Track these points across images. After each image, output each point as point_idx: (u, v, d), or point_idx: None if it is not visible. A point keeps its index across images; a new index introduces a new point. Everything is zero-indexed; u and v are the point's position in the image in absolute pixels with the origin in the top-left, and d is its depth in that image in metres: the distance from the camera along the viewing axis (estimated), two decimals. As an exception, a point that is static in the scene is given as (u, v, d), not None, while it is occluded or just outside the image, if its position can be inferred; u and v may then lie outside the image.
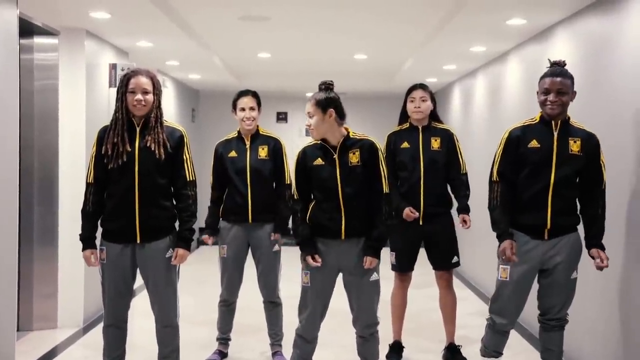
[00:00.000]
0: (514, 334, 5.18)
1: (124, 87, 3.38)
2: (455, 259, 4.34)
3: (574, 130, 3.50)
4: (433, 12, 4.99)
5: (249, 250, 4.37)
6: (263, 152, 4.30)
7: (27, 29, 4.96)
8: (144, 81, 3.38)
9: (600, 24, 4.17)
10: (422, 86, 4.36)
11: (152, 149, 3.38)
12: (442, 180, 4.32)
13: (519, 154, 3.49)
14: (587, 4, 4.31)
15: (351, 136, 3.46)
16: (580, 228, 3.54)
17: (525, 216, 3.48)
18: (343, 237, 3.39)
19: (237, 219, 4.29)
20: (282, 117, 11.26)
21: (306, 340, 3.52)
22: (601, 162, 3.51)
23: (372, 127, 11.18)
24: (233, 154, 4.31)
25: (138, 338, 4.77)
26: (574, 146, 3.45)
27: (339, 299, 3.64)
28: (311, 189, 3.47)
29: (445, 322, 4.46)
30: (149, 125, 3.40)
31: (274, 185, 4.35)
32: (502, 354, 3.64)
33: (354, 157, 3.40)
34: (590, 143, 3.48)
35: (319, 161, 3.43)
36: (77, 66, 5.32)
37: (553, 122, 3.48)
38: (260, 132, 4.38)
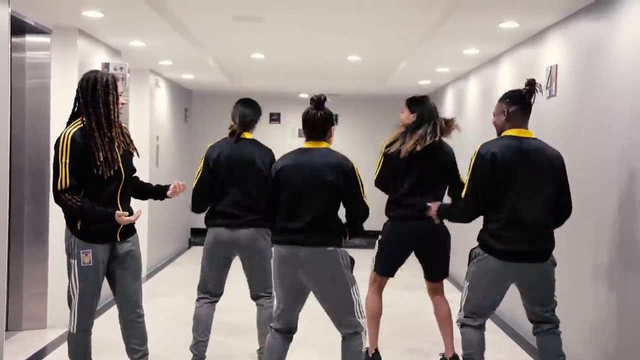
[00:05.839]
0: (503, 336, 5.20)
1: (114, 90, 3.35)
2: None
3: None
4: (426, 14, 5.00)
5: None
6: None
7: (19, 27, 4.93)
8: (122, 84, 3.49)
9: (593, 27, 4.19)
10: (406, 100, 4.42)
11: (130, 149, 3.47)
12: None
13: None
14: (579, 7, 4.33)
15: None
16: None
17: None
18: None
19: None
20: (275, 118, 11.26)
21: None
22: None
23: (365, 128, 11.23)
24: None
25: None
26: None
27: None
28: None
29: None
30: (121, 127, 3.45)
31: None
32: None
33: None
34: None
35: None
36: (70, 65, 5.30)
37: None
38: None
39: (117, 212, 3.31)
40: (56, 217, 5.19)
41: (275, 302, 3.55)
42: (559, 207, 3.46)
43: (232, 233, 4.05)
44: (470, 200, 3.48)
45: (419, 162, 4.17)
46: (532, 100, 3.51)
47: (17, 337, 4.97)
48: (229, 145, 4.12)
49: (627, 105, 3.64)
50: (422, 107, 4.33)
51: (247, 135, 4.16)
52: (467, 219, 3.59)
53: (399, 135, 4.28)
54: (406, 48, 6.37)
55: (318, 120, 3.47)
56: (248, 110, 4.19)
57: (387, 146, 4.27)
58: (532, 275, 3.42)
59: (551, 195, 3.41)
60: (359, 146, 10.43)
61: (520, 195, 3.36)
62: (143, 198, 3.73)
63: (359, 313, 3.45)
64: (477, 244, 3.51)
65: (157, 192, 3.69)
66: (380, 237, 4.36)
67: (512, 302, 3.71)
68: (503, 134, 3.49)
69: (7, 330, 4.48)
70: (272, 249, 3.55)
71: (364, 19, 5.25)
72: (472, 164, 3.44)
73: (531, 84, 3.49)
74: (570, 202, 3.49)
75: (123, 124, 3.52)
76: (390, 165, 4.22)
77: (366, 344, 3.58)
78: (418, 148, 4.14)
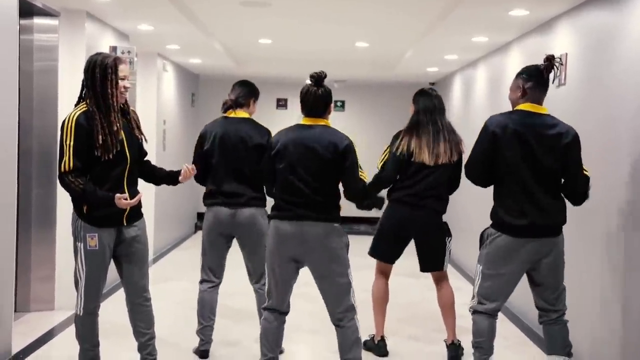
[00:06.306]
0: (508, 323, 5.22)
1: (113, 74, 3.33)
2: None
3: None
4: (435, 1, 4.97)
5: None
6: None
7: (27, 10, 4.93)
8: (128, 68, 3.46)
9: (603, 17, 4.16)
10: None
11: (136, 133, 3.48)
12: None
13: None
14: (590, -4, 4.30)
15: None
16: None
17: None
18: None
19: None
20: (282, 103, 11.23)
21: None
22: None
23: (372, 115, 11.19)
24: None
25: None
26: None
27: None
28: None
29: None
30: (124, 110, 3.45)
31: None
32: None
33: None
34: None
35: None
36: (77, 48, 5.30)
37: None
38: None
39: (117, 195, 3.30)
40: (64, 200, 5.20)
41: (267, 282, 3.54)
42: (569, 183, 3.42)
43: (232, 212, 4.08)
44: (467, 168, 3.53)
45: (430, 168, 4.18)
46: (550, 77, 3.44)
47: (25, 319, 5.01)
48: (222, 123, 4.17)
49: (637, 94, 3.62)
50: (418, 102, 4.33)
51: (242, 113, 4.20)
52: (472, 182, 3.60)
53: (404, 134, 4.25)
54: (415, 35, 6.34)
55: (318, 97, 3.45)
56: (241, 89, 4.27)
57: (394, 141, 4.24)
58: (544, 251, 3.39)
59: (557, 170, 3.38)
60: (365, 132, 10.41)
61: (525, 169, 3.35)
62: (158, 183, 3.75)
63: (353, 296, 3.46)
64: (485, 229, 3.52)
65: (171, 178, 3.70)
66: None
67: (520, 290, 3.71)
68: (516, 108, 3.46)
69: (15, 311, 4.52)
70: (270, 224, 3.50)
71: (372, 6, 5.22)
72: (478, 135, 3.46)
73: (549, 60, 3.41)
74: (580, 180, 3.42)
75: (132, 108, 3.53)
76: (397, 162, 4.19)
77: (360, 330, 3.54)
78: (431, 163, 4.15)
